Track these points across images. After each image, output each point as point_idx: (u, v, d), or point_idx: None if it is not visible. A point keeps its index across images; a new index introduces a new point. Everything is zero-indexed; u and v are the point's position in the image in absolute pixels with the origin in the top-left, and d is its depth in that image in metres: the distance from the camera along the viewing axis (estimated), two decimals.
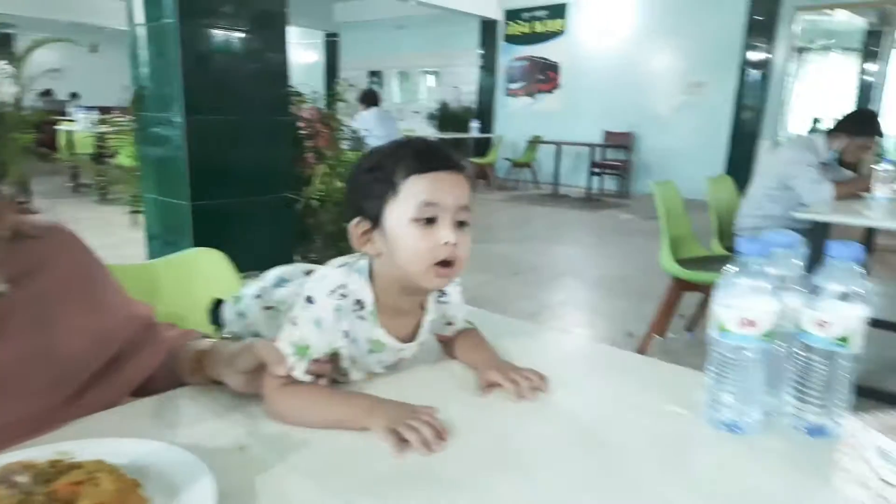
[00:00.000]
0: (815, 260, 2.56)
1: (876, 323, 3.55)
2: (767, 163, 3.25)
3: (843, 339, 0.78)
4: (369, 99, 6.55)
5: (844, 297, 0.78)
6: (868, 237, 3.41)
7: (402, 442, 0.75)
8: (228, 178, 2.28)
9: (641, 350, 3.06)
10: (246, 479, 0.68)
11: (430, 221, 0.87)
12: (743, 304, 0.78)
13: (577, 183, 9.29)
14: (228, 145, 2.28)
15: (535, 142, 9.55)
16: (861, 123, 3.09)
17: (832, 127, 3.17)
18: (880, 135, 3.15)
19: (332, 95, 3.66)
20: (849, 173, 3.14)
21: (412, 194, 0.86)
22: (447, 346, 1.06)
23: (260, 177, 2.34)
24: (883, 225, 2.87)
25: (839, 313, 0.77)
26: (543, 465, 0.76)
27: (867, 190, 2.86)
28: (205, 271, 1.39)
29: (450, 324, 1.04)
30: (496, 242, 5.91)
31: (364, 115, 6.21)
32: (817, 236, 2.62)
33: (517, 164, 9.80)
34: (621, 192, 9.05)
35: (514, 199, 8.88)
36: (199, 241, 1.47)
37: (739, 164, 7.44)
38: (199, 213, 2.22)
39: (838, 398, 0.80)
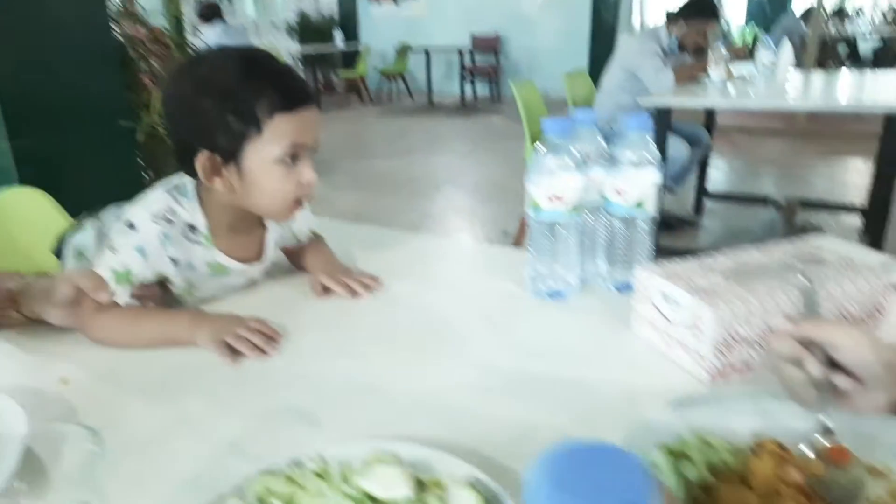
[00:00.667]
0: (659, 145, 2.75)
1: (722, 196, 3.97)
2: (617, 55, 3.39)
3: (640, 204, 0.86)
4: (209, 13, 6.02)
5: (638, 164, 0.85)
6: (709, 117, 3.71)
7: (234, 353, 0.76)
8: (49, 111, 2.05)
9: (517, 244, 3.22)
10: (69, 412, 0.67)
11: (293, 159, 0.84)
12: (551, 182, 0.84)
13: (450, 91, 9.24)
14: (41, 74, 2.03)
15: (403, 50, 9.29)
16: (697, 8, 3.26)
17: (672, 14, 3.34)
18: (717, 18, 3.35)
19: (171, 12, 3.32)
20: (688, 59, 3.34)
21: (280, 135, 0.81)
22: (295, 258, 1.07)
23: (85, 106, 2.12)
24: (716, 104, 3.13)
25: (634, 180, 0.86)
26: (380, 349, 0.80)
27: (704, 72, 3.08)
28: (24, 214, 1.28)
29: (298, 240, 1.05)
30: (374, 158, 5.84)
31: (207, 32, 5.71)
32: (661, 121, 2.81)
33: (388, 75, 9.54)
34: (493, 97, 9.13)
35: (389, 113, 8.71)
36: (27, 184, 1.33)
37: (601, 59, 7.68)
38: (20, 153, 1.99)
39: (640, 256, 0.90)
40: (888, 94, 2.56)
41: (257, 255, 0.98)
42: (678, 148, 3.16)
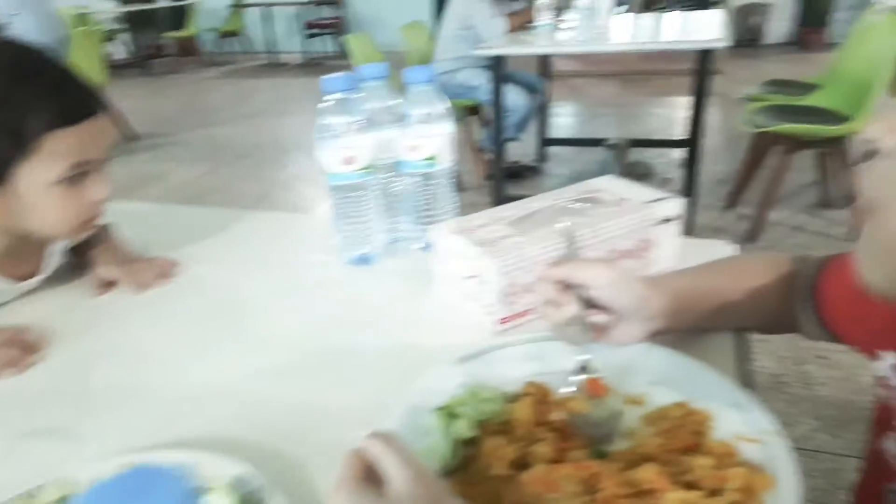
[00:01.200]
0: (497, 94, 2.79)
1: (563, 141, 4.16)
2: (451, 5, 3.38)
3: (432, 159, 0.86)
4: None
5: (427, 119, 0.84)
6: (544, 64, 3.84)
7: None
8: None
9: None
10: None
11: (79, 176, 0.72)
12: (340, 143, 0.81)
13: (294, 48, 8.82)
14: None
15: (238, 6, 8.68)
16: None
17: None
18: None
19: None
20: (518, 5, 3.41)
21: (58, 154, 0.69)
22: (77, 253, 0.96)
23: None
24: (547, 51, 3.25)
25: (424, 136, 0.84)
26: (164, 344, 0.75)
27: (531, 20, 3.16)
28: None
29: None
30: (214, 126, 5.46)
31: None
32: (497, 70, 2.86)
33: (224, 34, 8.90)
34: (341, 53, 8.84)
35: (228, 75, 8.16)
36: None
37: (442, 10, 7.67)
38: None
39: (444, 212, 0.90)
40: (700, 32, 2.78)
41: (37, 269, 0.86)
42: (516, 97, 3.24)
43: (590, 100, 5.64)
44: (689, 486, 0.43)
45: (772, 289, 0.63)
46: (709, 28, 2.78)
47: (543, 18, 3.09)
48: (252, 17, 8.72)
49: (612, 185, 0.85)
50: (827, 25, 6.75)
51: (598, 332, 0.58)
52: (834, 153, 2.65)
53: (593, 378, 0.54)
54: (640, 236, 0.76)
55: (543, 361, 0.60)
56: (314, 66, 8.35)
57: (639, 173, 3.37)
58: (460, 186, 3.47)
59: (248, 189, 3.86)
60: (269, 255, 0.97)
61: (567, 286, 0.56)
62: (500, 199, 2.93)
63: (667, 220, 0.78)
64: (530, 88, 3.43)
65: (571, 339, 0.57)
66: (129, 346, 0.75)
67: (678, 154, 3.65)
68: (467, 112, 3.44)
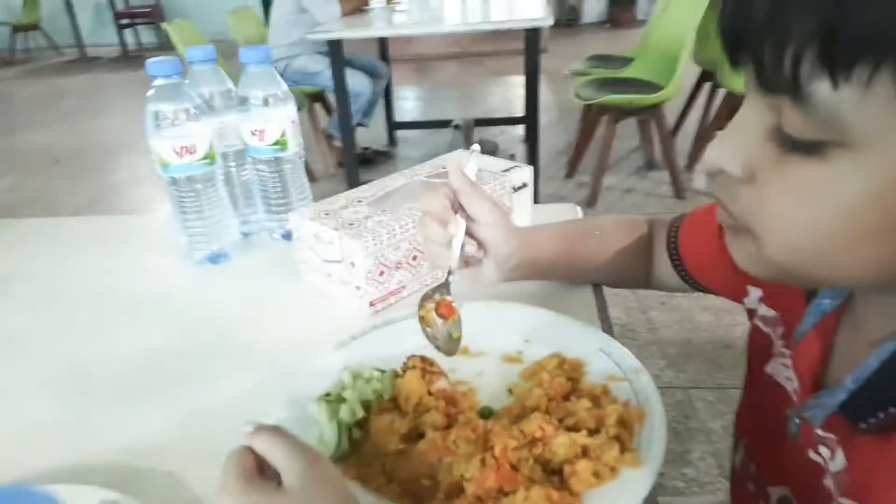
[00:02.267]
0: (337, 79, 2.71)
1: (411, 124, 4.19)
2: None
3: (279, 143, 0.81)
4: None
5: (270, 102, 0.80)
6: (383, 48, 3.83)
7: None
8: None
9: None
10: None
11: None
12: (174, 132, 0.74)
13: (106, 41, 7.98)
14: None
15: None
16: None
17: None
18: None
19: None
20: None
21: None
22: None
23: None
24: (384, 33, 3.24)
25: (268, 119, 0.80)
26: (11, 369, 0.64)
27: (366, 3, 3.12)
28: None
29: None
30: (21, 132, 4.81)
31: None
32: (335, 54, 2.80)
33: (20, 28, 7.83)
34: (162, 43, 8.16)
35: (30, 74, 7.22)
36: None
37: None
38: None
39: (298, 198, 0.86)
40: (526, 12, 2.92)
41: None
42: (359, 82, 3.20)
43: (431, 82, 5.73)
44: (573, 428, 0.46)
45: (629, 248, 0.68)
46: (533, 8, 2.93)
47: (377, 1, 3.08)
48: (51, 7, 7.76)
49: (455, 161, 0.86)
50: (635, 4, 7.42)
51: (465, 260, 0.58)
52: (652, 119, 2.92)
53: (447, 300, 0.56)
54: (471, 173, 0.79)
55: (421, 335, 0.59)
56: (132, 59, 7.63)
57: (486, 151, 3.49)
58: (312, 176, 3.38)
59: (72, 199, 3.46)
60: (107, 263, 0.87)
61: (455, 208, 0.57)
62: (355, 186, 2.88)
63: (520, 188, 0.81)
64: (372, 73, 3.41)
65: (438, 260, 0.58)
66: None
67: (519, 130, 3.83)
68: (311, 99, 3.34)
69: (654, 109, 2.86)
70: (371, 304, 0.69)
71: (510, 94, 5.02)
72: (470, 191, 0.57)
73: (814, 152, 0.31)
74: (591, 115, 3.03)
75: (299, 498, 0.37)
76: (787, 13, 0.28)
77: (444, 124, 3.55)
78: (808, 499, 0.45)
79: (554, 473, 0.43)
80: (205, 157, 0.76)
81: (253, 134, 0.80)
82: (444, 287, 0.56)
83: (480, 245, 0.59)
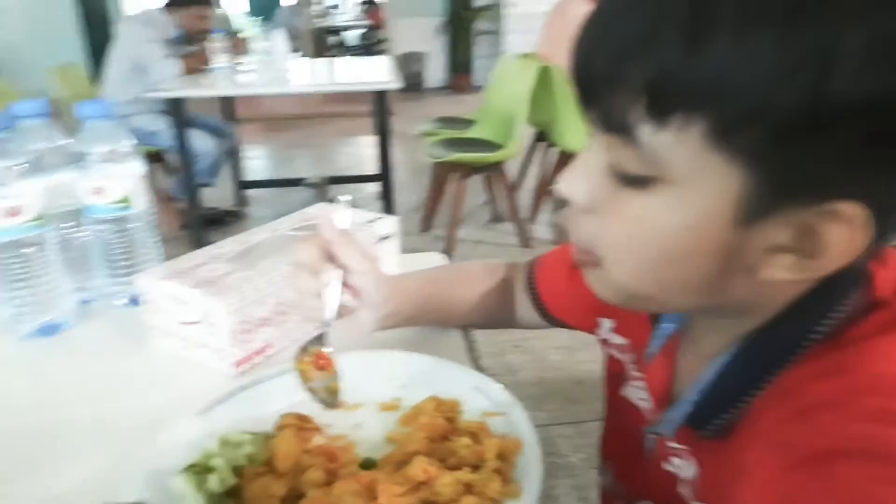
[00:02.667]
0: (180, 139, 2.61)
1: (261, 183, 4.08)
2: (118, 44, 3.07)
3: (124, 201, 0.76)
4: None
5: (113, 158, 0.75)
6: (228, 107, 3.73)
7: None
8: None
9: None
10: None
11: None
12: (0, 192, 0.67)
13: None
14: None
15: None
16: None
17: (169, 1, 3.18)
18: (208, 3, 3.32)
19: None
20: (192, 47, 3.26)
21: None
22: None
23: None
24: (230, 92, 3.17)
25: (111, 176, 0.74)
26: None
27: (207, 62, 3.05)
28: None
29: None
30: None
31: None
32: (177, 113, 2.68)
33: None
34: None
35: None
36: None
37: (101, 50, 6.90)
38: None
39: (147, 260, 0.80)
40: (374, 75, 3.01)
41: None
42: (203, 142, 3.08)
43: (280, 143, 5.66)
44: (455, 467, 0.46)
45: (493, 290, 0.72)
46: (381, 72, 3.05)
47: (220, 61, 3.01)
48: None
49: (325, 212, 0.86)
50: (471, 71, 7.97)
51: (339, 312, 0.58)
52: (496, 176, 3.12)
53: (324, 351, 0.55)
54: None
55: (293, 393, 0.57)
56: None
57: None
58: None
59: None
60: None
61: (326, 259, 0.57)
62: (202, 247, 2.72)
63: (386, 238, 0.83)
64: (216, 132, 3.30)
65: (309, 312, 0.58)
66: None
67: (373, 188, 3.89)
68: (150, 159, 3.14)
69: (498, 167, 3.06)
70: (236, 366, 0.65)
71: (361, 153, 5.10)
72: (342, 240, 0.58)
73: (641, 186, 0.36)
74: (441, 173, 3.17)
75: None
76: (622, 70, 0.33)
77: (296, 182, 3.51)
78: None
79: None
80: (34, 219, 0.69)
81: (93, 192, 0.74)
82: (321, 339, 0.55)
83: (354, 294, 0.59)
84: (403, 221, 3.35)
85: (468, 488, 0.44)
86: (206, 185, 3.16)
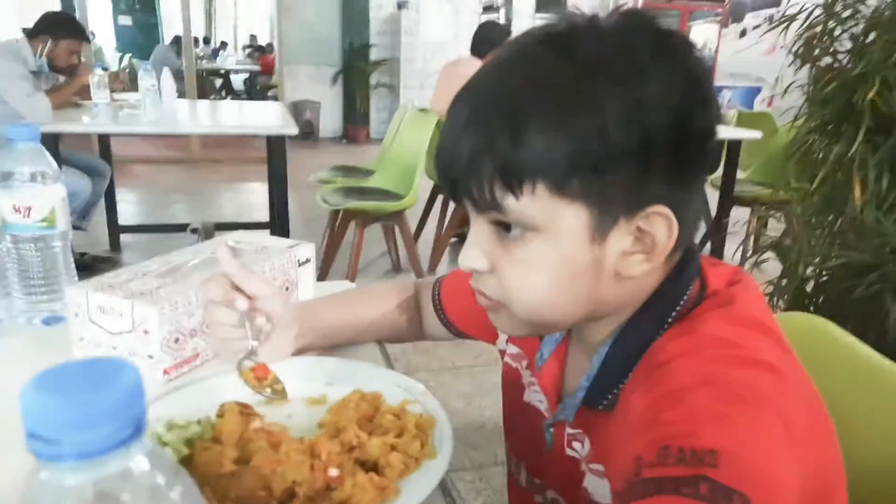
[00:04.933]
0: (57, 161, 2.54)
1: (138, 228, 3.99)
2: None
3: (48, 220, 0.83)
4: None
5: (39, 178, 0.82)
6: (105, 146, 3.67)
7: None
8: None
9: None
10: None
11: None
12: None
13: None
14: None
15: None
16: (60, 26, 3.16)
17: (34, 31, 3.14)
18: (84, 37, 3.31)
19: None
20: (63, 78, 3.21)
21: None
22: None
23: None
24: (108, 130, 3.15)
25: (37, 196, 0.82)
26: None
27: (81, 95, 3.02)
28: None
29: None
30: None
31: None
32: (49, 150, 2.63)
33: None
34: None
35: None
36: None
37: None
38: None
39: (63, 279, 0.87)
40: (266, 119, 3.13)
41: None
42: (77, 181, 3.03)
43: (158, 186, 5.55)
44: (381, 435, 0.58)
45: (401, 306, 0.86)
46: (274, 117, 3.17)
47: (100, 96, 3.01)
48: None
49: (251, 239, 0.97)
50: (369, 123, 8.25)
51: (256, 335, 0.70)
52: (398, 225, 3.29)
53: (260, 364, 0.67)
54: (285, 277, 0.91)
55: (222, 392, 0.67)
56: None
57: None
58: None
59: None
60: None
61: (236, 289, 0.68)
62: None
63: (304, 262, 0.95)
64: (91, 171, 3.24)
65: (227, 344, 0.71)
66: None
67: (263, 236, 3.92)
68: None
69: (398, 216, 3.23)
70: (165, 373, 0.74)
71: (249, 200, 5.11)
72: (244, 272, 0.70)
73: (519, 238, 0.52)
74: (339, 221, 3.29)
75: None
76: (478, 166, 0.51)
77: (179, 228, 3.48)
78: (571, 491, 0.63)
79: (371, 470, 0.55)
80: None
81: (16, 210, 0.81)
82: (252, 354, 0.67)
83: (267, 318, 0.71)
84: None
85: (393, 448, 0.57)
86: (77, 228, 3.08)
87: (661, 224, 0.51)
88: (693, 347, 0.50)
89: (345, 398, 0.67)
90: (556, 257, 0.52)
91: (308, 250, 0.96)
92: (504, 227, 0.53)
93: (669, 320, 0.55)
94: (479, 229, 0.55)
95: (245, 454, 0.56)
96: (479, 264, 0.55)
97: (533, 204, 0.50)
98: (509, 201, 0.50)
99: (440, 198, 3.92)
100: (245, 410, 0.62)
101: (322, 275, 3.35)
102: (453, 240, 3.70)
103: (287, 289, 0.92)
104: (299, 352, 0.76)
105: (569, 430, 0.62)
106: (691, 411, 0.45)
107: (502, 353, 0.78)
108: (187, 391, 0.67)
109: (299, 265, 0.94)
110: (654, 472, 0.42)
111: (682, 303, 0.55)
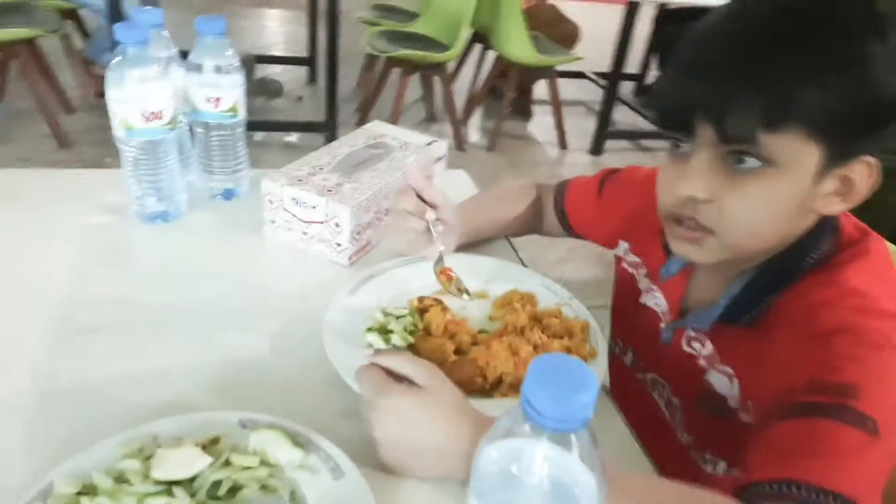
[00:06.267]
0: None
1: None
2: None
3: (233, 109, 0.90)
4: None
5: (224, 70, 0.88)
6: None
7: None
8: None
9: None
10: None
11: None
12: (142, 97, 0.79)
13: None
14: None
15: None
16: None
17: None
18: None
19: None
20: None
21: None
22: None
23: None
24: None
25: (223, 87, 0.88)
26: None
27: None
28: None
29: None
30: None
31: None
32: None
33: None
34: None
35: None
36: None
37: None
38: None
39: (240, 163, 0.95)
40: None
41: None
42: None
43: (194, 7, 5.27)
44: (554, 337, 0.72)
45: (528, 209, 0.97)
46: None
47: None
48: None
49: (387, 131, 1.04)
50: None
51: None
52: (440, 76, 3.25)
53: (446, 268, 0.80)
54: (426, 170, 0.99)
55: (410, 282, 0.80)
56: None
57: (271, 90, 3.48)
58: (69, 107, 3.01)
59: None
60: (44, 220, 0.87)
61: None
62: None
63: (440, 159, 1.03)
64: None
65: (416, 246, 0.81)
66: None
67: (302, 72, 3.86)
68: (63, 17, 2.93)
69: (440, 67, 3.19)
70: (350, 258, 0.85)
71: (285, 30, 4.91)
72: (429, 186, 0.79)
73: (754, 173, 0.58)
74: (382, 67, 3.24)
75: (433, 391, 0.56)
76: (742, 101, 0.55)
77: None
78: (679, 380, 0.76)
79: None
80: (167, 123, 0.82)
81: (208, 101, 0.87)
82: (440, 260, 0.79)
83: (444, 223, 0.81)
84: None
85: (567, 350, 0.70)
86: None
87: (865, 172, 0.59)
88: (834, 297, 0.60)
89: (505, 295, 0.80)
90: (783, 192, 0.58)
91: (442, 147, 1.03)
92: (738, 159, 0.58)
93: (810, 260, 0.64)
94: (706, 160, 0.59)
95: (459, 345, 0.69)
96: (700, 192, 0.60)
97: (786, 143, 0.55)
98: (766, 137, 0.55)
99: (478, 48, 3.82)
100: (442, 305, 0.74)
101: (361, 119, 3.36)
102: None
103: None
104: (456, 248, 0.88)
105: (689, 333, 0.74)
106: (834, 353, 0.56)
107: (618, 259, 0.90)
108: (379, 280, 0.79)
109: (436, 161, 1.02)
110: (803, 398, 0.55)
111: (821, 247, 0.64)
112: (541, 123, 3.81)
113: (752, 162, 0.58)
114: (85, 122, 2.93)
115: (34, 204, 0.91)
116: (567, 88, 3.85)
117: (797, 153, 0.57)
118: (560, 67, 3.42)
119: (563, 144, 3.51)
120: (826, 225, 0.64)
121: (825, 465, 0.51)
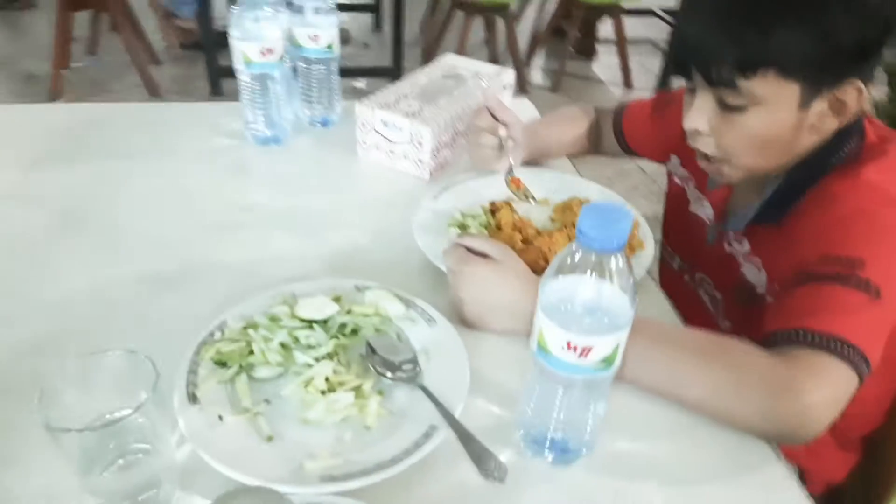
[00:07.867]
0: None
1: None
2: None
3: (331, 46, 1.05)
4: None
5: (323, 10, 1.02)
6: None
7: None
8: None
9: (56, 91, 2.86)
10: None
11: None
12: (261, 35, 0.95)
13: None
14: None
15: None
16: None
17: None
18: None
19: None
20: None
21: None
22: None
23: None
24: None
25: (323, 26, 1.03)
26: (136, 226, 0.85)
27: None
28: None
29: None
30: None
31: None
32: None
33: None
34: None
35: None
36: None
37: None
38: None
39: (334, 94, 1.11)
40: None
41: None
42: None
43: None
44: None
45: (589, 130, 1.08)
46: None
47: None
48: None
49: (459, 62, 1.17)
50: None
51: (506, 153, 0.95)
52: (504, 18, 3.30)
53: (515, 177, 0.93)
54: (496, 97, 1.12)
55: (482, 192, 0.94)
56: None
57: (341, 39, 3.61)
58: (156, 59, 3.24)
59: None
60: (175, 144, 1.05)
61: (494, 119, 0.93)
62: (214, 73, 2.88)
63: (507, 87, 1.15)
64: None
65: (490, 161, 0.95)
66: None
67: (366, 18, 3.97)
68: None
69: (505, 10, 3.24)
70: (430, 173, 1.00)
71: None
72: (501, 105, 0.92)
73: (741, 110, 0.69)
74: (448, 9, 3.32)
75: (506, 263, 0.71)
76: (719, 50, 0.66)
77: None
78: (721, 276, 0.88)
79: None
80: (280, 58, 0.98)
81: (310, 38, 1.02)
82: (510, 171, 0.93)
83: (514, 142, 0.95)
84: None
85: None
86: None
87: (853, 94, 0.69)
88: (852, 188, 0.70)
89: (566, 201, 0.93)
90: (771, 123, 0.69)
91: (510, 75, 1.15)
92: (726, 100, 0.69)
93: (833, 161, 0.73)
94: (705, 98, 0.72)
95: (524, 238, 0.84)
96: (702, 126, 0.74)
97: (764, 84, 0.66)
98: (744, 82, 0.66)
99: None
100: (511, 207, 0.89)
101: (426, 60, 3.47)
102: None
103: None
104: (523, 163, 1.01)
105: (729, 234, 0.84)
106: (848, 232, 0.66)
107: (670, 174, 1.01)
108: (457, 189, 0.94)
109: (504, 88, 1.15)
110: (816, 268, 0.65)
111: (845, 151, 0.73)
112: (605, 63, 3.82)
113: (737, 101, 0.68)
114: (171, 72, 3.16)
115: (167, 131, 1.09)
116: (633, 26, 3.82)
117: (776, 91, 0.66)
118: (626, 4, 3.41)
119: (627, 84, 3.52)
120: (852, 130, 0.73)
121: (828, 317, 0.62)
